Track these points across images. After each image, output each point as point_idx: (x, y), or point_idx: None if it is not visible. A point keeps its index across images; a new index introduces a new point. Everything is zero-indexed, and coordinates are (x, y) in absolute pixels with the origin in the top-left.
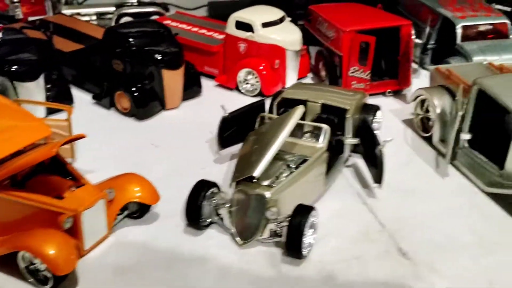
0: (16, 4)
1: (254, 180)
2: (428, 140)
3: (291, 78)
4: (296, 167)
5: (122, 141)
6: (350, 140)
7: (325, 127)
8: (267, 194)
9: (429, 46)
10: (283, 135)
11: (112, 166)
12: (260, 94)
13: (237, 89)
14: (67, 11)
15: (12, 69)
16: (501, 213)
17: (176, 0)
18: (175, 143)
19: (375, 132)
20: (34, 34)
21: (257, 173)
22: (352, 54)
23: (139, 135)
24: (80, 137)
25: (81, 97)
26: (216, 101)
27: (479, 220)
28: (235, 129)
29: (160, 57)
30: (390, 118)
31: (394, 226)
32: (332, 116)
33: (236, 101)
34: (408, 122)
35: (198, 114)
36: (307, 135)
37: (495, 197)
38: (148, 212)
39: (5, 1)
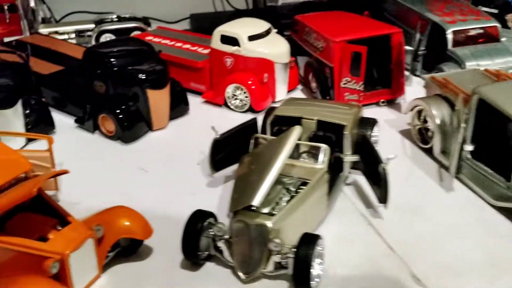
0: None
1: (253, 208)
2: (428, 151)
3: (280, 91)
4: (296, 191)
5: (109, 167)
6: (349, 158)
7: (324, 146)
8: (269, 224)
9: (419, 52)
10: (282, 159)
11: (98, 196)
12: (250, 109)
13: (225, 105)
14: (44, 30)
15: None
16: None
17: (156, 13)
18: (164, 167)
19: (376, 148)
20: (9, 57)
21: (256, 201)
22: (343, 65)
23: (126, 160)
24: (63, 172)
25: (62, 121)
26: (205, 119)
27: (488, 237)
28: (228, 151)
29: (144, 77)
30: (386, 129)
31: (403, 249)
32: (329, 133)
33: (226, 118)
34: (405, 133)
35: (186, 133)
36: (304, 155)
37: (504, 211)
38: (140, 246)
39: None
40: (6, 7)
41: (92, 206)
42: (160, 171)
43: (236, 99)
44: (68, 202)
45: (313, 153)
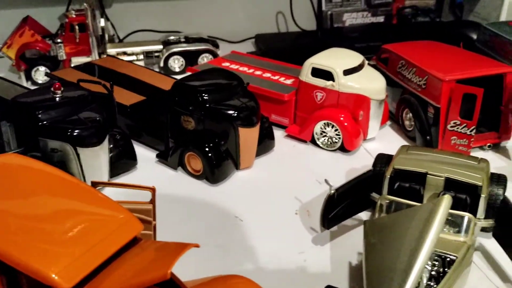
0: (59, 44)
1: None
2: None
3: (373, 129)
4: (433, 265)
5: (197, 211)
6: (483, 223)
7: (468, 216)
8: None
9: None
10: (431, 240)
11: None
12: (341, 148)
13: (312, 141)
14: (112, 50)
15: (74, 133)
16: None
17: (219, 32)
18: (260, 215)
19: None
20: (94, 87)
21: None
22: (452, 106)
23: (215, 204)
24: (194, 246)
25: (140, 153)
26: (291, 157)
27: None
28: (342, 207)
29: (236, 114)
30: None
31: None
32: (460, 193)
33: (313, 156)
34: None
35: (275, 174)
36: None
37: None
38: None
39: (46, 41)
40: (77, 27)
41: (189, 263)
42: (256, 221)
43: (325, 136)
44: None
45: (450, 221)
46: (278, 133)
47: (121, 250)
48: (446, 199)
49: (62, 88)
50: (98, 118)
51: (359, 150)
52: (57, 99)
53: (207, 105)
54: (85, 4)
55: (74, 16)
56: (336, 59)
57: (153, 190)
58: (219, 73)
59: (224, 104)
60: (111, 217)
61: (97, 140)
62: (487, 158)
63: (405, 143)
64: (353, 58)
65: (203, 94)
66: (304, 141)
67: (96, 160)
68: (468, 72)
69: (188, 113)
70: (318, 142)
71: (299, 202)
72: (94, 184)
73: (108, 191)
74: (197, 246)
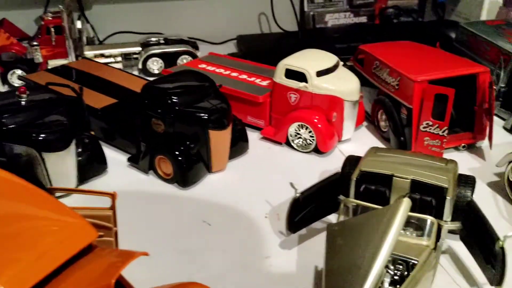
0: (35, 47)
1: None
2: None
3: (348, 130)
4: (395, 269)
5: (166, 216)
6: (449, 226)
7: (430, 220)
8: None
9: (501, 90)
10: (390, 242)
11: (154, 252)
12: (315, 149)
13: (287, 143)
14: (89, 53)
15: (40, 138)
16: None
17: (201, 33)
18: (229, 219)
19: (488, 220)
20: (62, 90)
21: None
22: (424, 107)
23: (184, 208)
24: (143, 254)
25: (112, 157)
26: (265, 159)
27: None
28: (308, 210)
29: (207, 117)
30: None
31: None
32: (425, 195)
33: (288, 158)
34: (495, 186)
35: (248, 177)
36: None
37: None
38: None
39: (23, 44)
40: (52, 29)
41: (150, 267)
42: (224, 225)
43: (299, 138)
44: None
45: (415, 224)
46: (254, 135)
47: (74, 258)
48: (405, 203)
49: (27, 92)
50: (64, 122)
51: (334, 152)
52: (23, 103)
53: (177, 108)
54: (60, 6)
55: (50, 18)
56: (309, 60)
57: (113, 196)
58: (191, 75)
59: (194, 106)
60: (64, 224)
61: (62, 145)
62: (462, 158)
63: (380, 144)
64: (327, 59)
65: (172, 97)
66: (280, 143)
67: (62, 165)
68: (440, 72)
69: (158, 116)
70: (292, 144)
71: (270, 205)
72: (52, 191)
73: (74, 197)
74: (145, 254)
